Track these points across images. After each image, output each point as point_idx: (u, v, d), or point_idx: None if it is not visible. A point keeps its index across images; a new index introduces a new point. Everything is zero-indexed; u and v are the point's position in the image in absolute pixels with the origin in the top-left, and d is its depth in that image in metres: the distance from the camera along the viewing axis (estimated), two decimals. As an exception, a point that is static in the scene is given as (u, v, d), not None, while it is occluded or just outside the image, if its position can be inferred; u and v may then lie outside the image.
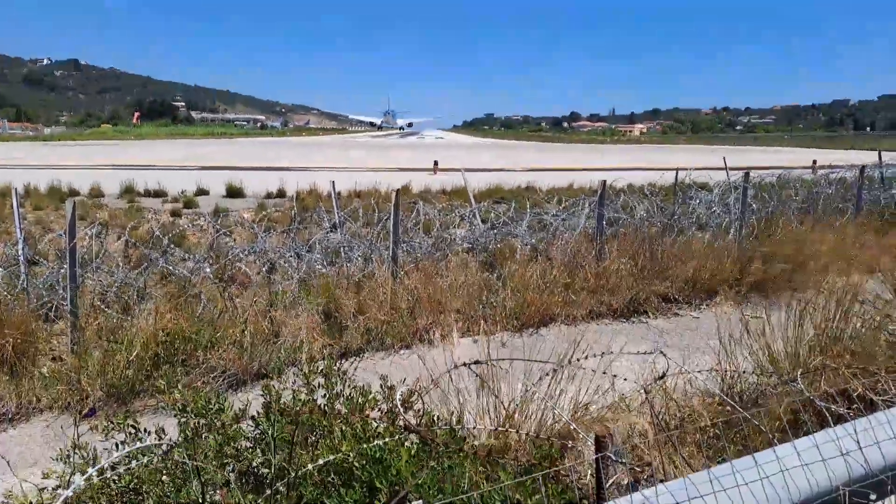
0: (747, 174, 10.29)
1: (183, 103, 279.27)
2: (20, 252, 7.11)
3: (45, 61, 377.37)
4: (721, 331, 6.71)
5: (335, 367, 3.22)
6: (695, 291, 8.14)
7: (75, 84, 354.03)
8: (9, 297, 6.68)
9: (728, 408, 3.67)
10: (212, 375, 5.36)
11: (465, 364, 3.07)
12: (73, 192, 18.92)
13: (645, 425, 3.29)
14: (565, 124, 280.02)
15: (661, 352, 3.00)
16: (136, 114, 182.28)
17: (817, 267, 9.12)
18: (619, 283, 7.82)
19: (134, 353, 5.19)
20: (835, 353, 4.83)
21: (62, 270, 6.59)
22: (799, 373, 3.76)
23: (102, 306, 6.51)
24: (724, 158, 17.43)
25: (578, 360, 3.29)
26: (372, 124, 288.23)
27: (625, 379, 3.86)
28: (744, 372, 4.59)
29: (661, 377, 3.61)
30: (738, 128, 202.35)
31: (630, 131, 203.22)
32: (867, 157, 42.37)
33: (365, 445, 2.59)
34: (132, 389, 5.08)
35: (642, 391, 3.58)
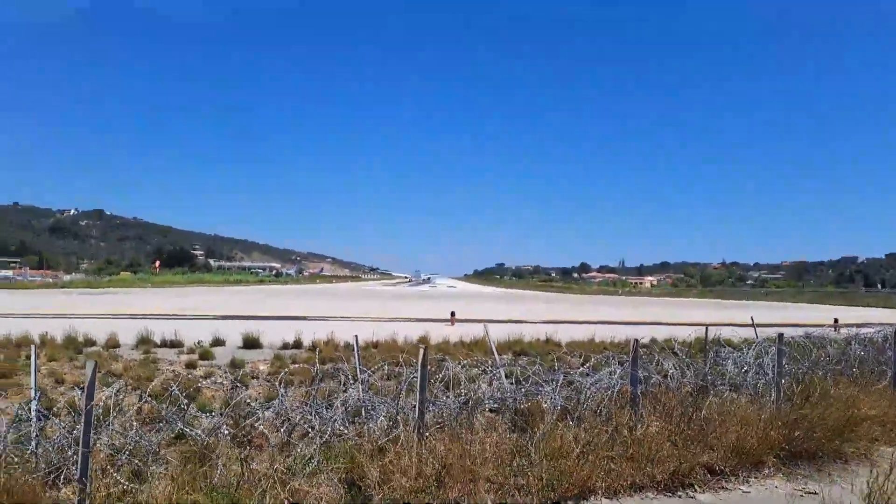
0: (781, 336, 10.02)
1: (202, 252, 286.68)
2: (33, 412, 6.82)
3: (73, 211, 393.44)
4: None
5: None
6: (741, 462, 7.61)
7: (98, 233, 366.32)
8: (16, 460, 6.34)
9: None
10: (228, 557, 4.89)
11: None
12: (89, 342, 18.77)
13: None
14: (575, 275, 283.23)
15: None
16: (157, 262, 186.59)
17: (868, 435, 8.64)
18: (660, 450, 7.34)
19: (145, 531, 4.77)
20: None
21: (74, 432, 6.27)
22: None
23: (113, 472, 6.11)
24: (752, 317, 17.20)
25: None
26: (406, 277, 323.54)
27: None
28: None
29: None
30: (748, 282, 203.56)
31: (640, 283, 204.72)
32: (886, 315, 42.11)
33: None
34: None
35: None
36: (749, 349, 11.27)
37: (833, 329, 22.29)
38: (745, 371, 10.72)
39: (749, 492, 7.05)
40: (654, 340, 18.36)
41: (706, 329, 15.18)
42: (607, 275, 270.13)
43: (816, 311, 49.61)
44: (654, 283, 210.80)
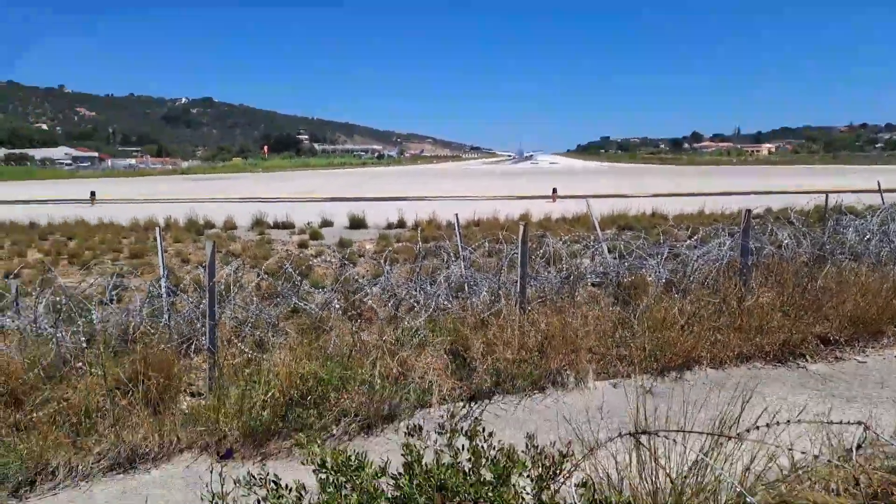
0: (913, 199, 9.23)
1: (306, 136, 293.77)
2: (163, 288, 7.42)
3: (183, 100, 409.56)
4: (894, 379, 5.94)
5: (480, 429, 2.97)
6: (857, 332, 7.27)
7: (209, 120, 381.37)
8: (153, 331, 6.98)
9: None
10: (345, 419, 5.27)
11: (629, 434, 2.72)
12: (209, 225, 20.04)
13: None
14: (686, 145, 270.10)
15: (864, 423, 2.50)
16: (265, 147, 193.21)
17: None
18: (770, 321, 7.12)
19: (269, 394, 5.20)
20: None
21: (201, 306, 6.79)
22: None
23: (238, 342, 6.63)
24: (878, 182, 15.89)
25: (749, 430, 2.83)
26: (509, 156, 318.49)
27: (791, 448, 3.35)
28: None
29: (856, 448, 3.09)
30: (878, 145, 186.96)
31: (757, 151, 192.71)
32: None
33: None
34: (267, 430, 5.05)
35: (831, 461, 3.07)
36: (873, 216, 10.51)
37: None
38: (868, 239, 10.06)
39: (865, 361, 6.77)
40: (768, 210, 17.49)
41: (826, 196, 14.21)
42: (721, 143, 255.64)
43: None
44: (773, 150, 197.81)
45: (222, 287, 7.65)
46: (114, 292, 8.99)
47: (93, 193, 32.39)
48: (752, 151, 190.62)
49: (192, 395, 6.07)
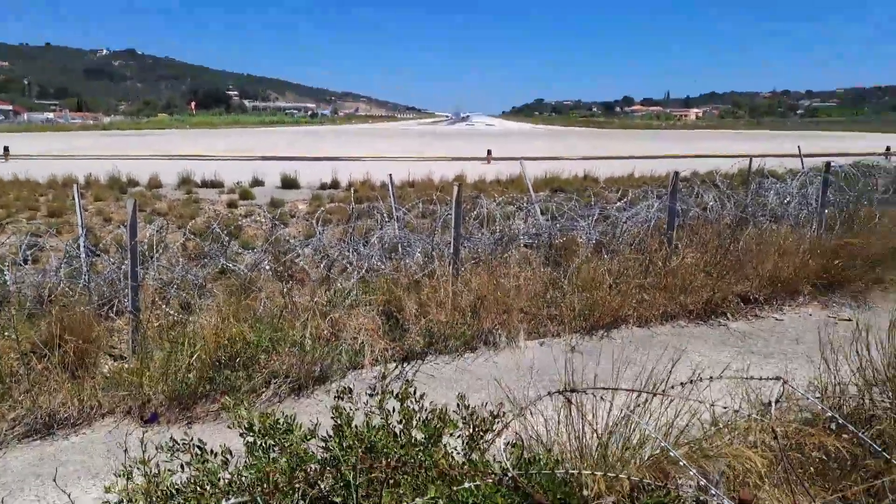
0: (828, 164, 9.67)
1: (236, 92, 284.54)
2: (82, 248, 7.08)
3: (104, 52, 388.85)
4: (809, 337, 6.25)
5: (412, 391, 2.96)
6: (776, 291, 7.62)
7: (132, 73, 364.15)
8: (71, 293, 6.67)
9: (845, 434, 3.27)
10: (274, 381, 5.19)
11: (558, 392, 2.76)
12: (133, 183, 19.22)
13: (754, 458, 2.92)
14: (618, 109, 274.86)
15: (782, 378, 2.60)
16: (192, 103, 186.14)
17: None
18: (694, 280, 7.37)
19: (195, 356, 5.05)
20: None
21: (123, 267, 6.53)
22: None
23: (162, 304, 6.42)
24: (798, 147, 16.57)
25: (673, 387, 2.93)
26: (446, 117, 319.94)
27: (713, 404, 3.49)
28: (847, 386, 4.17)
29: (774, 403, 3.23)
30: (798, 112, 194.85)
31: (685, 116, 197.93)
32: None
33: (454, 489, 2.32)
34: (194, 393, 4.93)
35: (748, 414, 3.21)
36: (793, 179, 10.95)
37: (885, 157, 21.47)
38: (788, 202, 10.49)
39: (782, 319, 7.11)
40: (695, 174, 17.99)
41: (750, 160, 14.73)
42: (651, 108, 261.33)
43: (870, 141, 47.59)
44: (700, 115, 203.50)
45: (145, 247, 7.36)
46: (28, 252, 8.55)
47: (6, 148, 30.55)
48: (681, 116, 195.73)
49: (115, 358, 5.85)
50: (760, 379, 2.70)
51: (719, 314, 7.12)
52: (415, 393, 3.03)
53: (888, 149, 28.74)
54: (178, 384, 4.88)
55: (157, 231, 7.80)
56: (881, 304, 7.54)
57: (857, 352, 4.42)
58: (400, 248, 8.55)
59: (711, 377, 2.93)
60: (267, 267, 7.64)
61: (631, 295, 7.01)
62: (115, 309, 6.59)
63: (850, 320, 6.75)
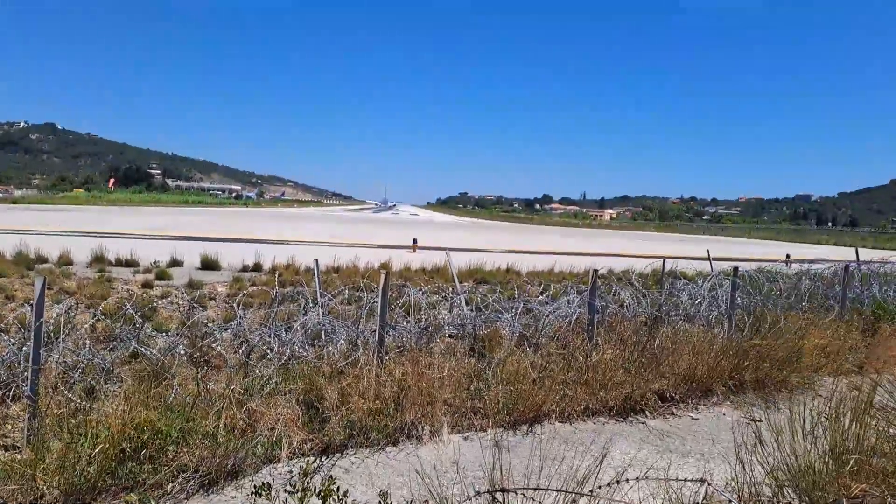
0: (736, 269, 10.24)
1: (159, 170, 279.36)
2: (-21, 327, 6.61)
3: (22, 124, 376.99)
4: (723, 436, 6.41)
5: (334, 488, 2.83)
6: (691, 389, 7.85)
7: (51, 148, 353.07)
8: (-38, 375, 6.17)
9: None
10: (183, 475, 4.87)
11: (487, 492, 2.70)
12: (42, 259, 18.26)
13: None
14: (538, 206, 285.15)
15: (706, 481, 2.63)
16: (112, 180, 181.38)
17: (812, 365, 8.95)
18: (613, 376, 7.51)
19: (98, 448, 4.71)
20: (855, 468, 4.53)
21: (24, 348, 6.11)
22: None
23: (64, 390, 6.00)
24: (707, 251, 17.50)
25: (600, 486, 2.91)
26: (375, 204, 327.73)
27: None
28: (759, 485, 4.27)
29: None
30: (705, 217, 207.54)
31: (601, 216, 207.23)
32: (837, 253, 43.41)
33: None
34: (93, 488, 4.56)
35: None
36: (704, 281, 11.49)
37: (785, 264, 22.93)
38: (699, 302, 10.95)
39: (698, 418, 7.28)
40: (611, 271, 18.66)
41: (663, 261, 15.45)
42: (569, 206, 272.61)
43: (770, 247, 50.92)
44: (615, 215, 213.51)
45: (51, 327, 6.93)
46: (-84, 330, 7.90)
47: None
48: (597, 216, 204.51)
49: (6, 448, 5.39)
50: (685, 480, 2.73)
51: (638, 411, 7.24)
52: (338, 490, 2.90)
53: (788, 256, 30.76)
54: (76, 477, 4.51)
55: (65, 311, 7.37)
56: (787, 405, 7.84)
57: (769, 453, 4.58)
58: (323, 335, 8.39)
59: (638, 478, 2.95)
60: (182, 351, 7.31)
61: (554, 390, 7.06)
62: (12, 394, 6.12)
63: (760, 421, 6.98)
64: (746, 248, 47.90)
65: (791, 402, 7.82)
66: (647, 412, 7.23)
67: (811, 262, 22.06)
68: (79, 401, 5.89)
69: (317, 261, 10.28)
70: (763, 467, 4.59)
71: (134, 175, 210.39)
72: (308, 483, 2.96)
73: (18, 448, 5.27)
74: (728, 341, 9.09)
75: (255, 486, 2.92)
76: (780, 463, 4.65)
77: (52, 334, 6.92)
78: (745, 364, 8.42)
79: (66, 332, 7.34)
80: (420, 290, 10.09)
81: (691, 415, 7.37)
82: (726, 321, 9.93)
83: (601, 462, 3.47)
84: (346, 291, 9.65)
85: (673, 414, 7.34)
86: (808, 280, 13.92)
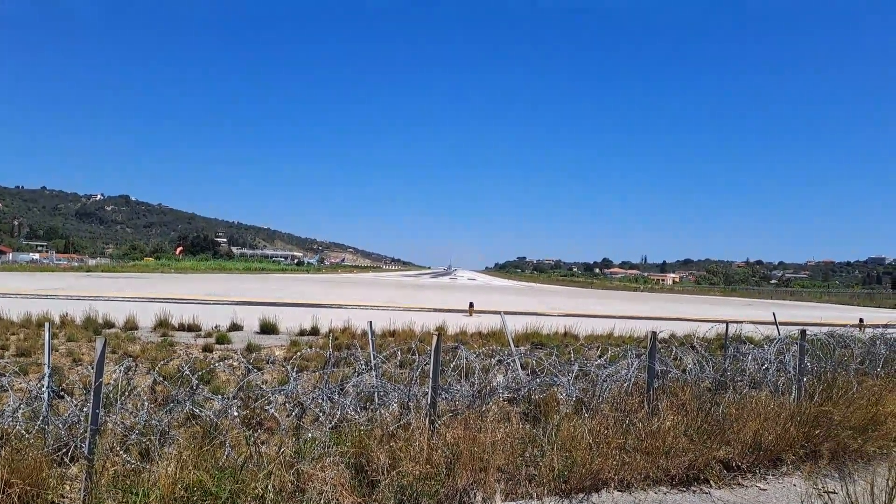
0: (804, 332, 9.78)
1: (225, 239, 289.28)
2: (45, 387, 6.82)
3: (98, 196, 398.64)
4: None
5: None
6: (758, 458, 7.41)
7: (124, 218, 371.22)
8: (26, 434, 6.34)
9: None
10: (230, 538, 4.83)
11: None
12: (109, 324, 18.91)
13: None
14: (597, 270, 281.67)
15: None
16: (179, 248, 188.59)
17: (890, 433, 8.38)
18: (675, 443, 7.17)
19: (148, 508, 4.72)
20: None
21: (85, 409, 6.26)
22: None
23: (120, 451, 6.09)
24: (773, 314, 16.86)
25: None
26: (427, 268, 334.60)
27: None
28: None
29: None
30: (772, 281, 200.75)
31: (663, 280, 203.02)
32: (914, 315, 41.09)
33: None
34: (142, 549, 4.55)
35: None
36: (770, 346, 11.02)
37: (858, 329, 21.84)
38: (766, 368, 10.48)
39: (766, 489, 6.85)
40: (673, 335, 18.10)
41: (727, 325, 14.89)
42: (629, 271, 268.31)
43: (841, 311, 48.65)
44: (677, 279, 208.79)
45: (110, 389, 7.10)
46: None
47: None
48: (658, 280, 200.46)
49: (62, 508, 5.45)
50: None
51: (702, 480, 6.87)
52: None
53: (861, 321, 29.30)
54: (127, 538, 4.52)
55: (124, 372, 7.56)
56: (864, 475, 7.32)
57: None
58: (376, 398, 8.33)
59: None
60: (235, 413, 7.36)
61: (612, 456, 6.78)
62: (70, 455, 6.24)
63: (835, 493, 6.51)
64: (816, 313, 45.92)
65: (867, 473, 7.31)
66: (711, 482, 6.85)
67: (885, 326, 20.96)
68: (134, 462, 5.95)
69: (370, 323, 10.32)
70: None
71: (201, 243, 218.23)
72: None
73: (74, 508, 5.33)
74: (797, 407, 8.61)
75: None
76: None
77: (110, 396, 7.08)
78: (817, 432, 7.95)
79: (126, 394, 7.51)
80: (474, 352, 9.96)
81: (759, 485, 6.94)
82: (795, 387, 9.44)
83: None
84: (399, 354, 9.62)
85: (739, 484, 6.93)
86: (882, 344, 13.18)
